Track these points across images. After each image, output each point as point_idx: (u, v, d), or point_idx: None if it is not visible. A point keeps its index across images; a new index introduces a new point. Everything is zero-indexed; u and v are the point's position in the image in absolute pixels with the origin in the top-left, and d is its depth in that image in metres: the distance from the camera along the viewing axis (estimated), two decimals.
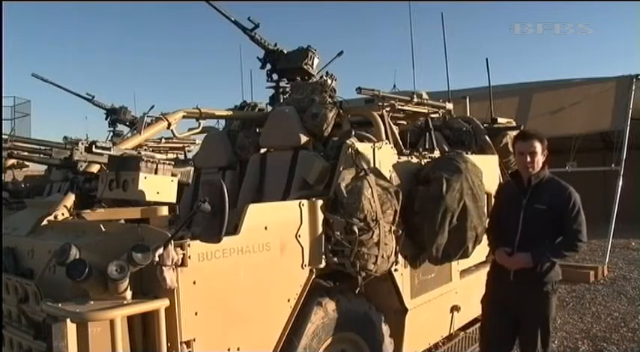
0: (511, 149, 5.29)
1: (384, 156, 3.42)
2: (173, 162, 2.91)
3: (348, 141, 3.21)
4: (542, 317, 3.07)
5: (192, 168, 4.06)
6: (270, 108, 4.31)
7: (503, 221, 3.27)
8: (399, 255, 3.24)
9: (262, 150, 3.76)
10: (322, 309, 2.93)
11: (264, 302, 2.66)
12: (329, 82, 3.87)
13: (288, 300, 2.77)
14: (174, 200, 2.83)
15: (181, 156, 6.29)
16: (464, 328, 4.37)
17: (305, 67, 4.22)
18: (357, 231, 2.88)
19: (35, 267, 2.50)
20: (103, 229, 2.46)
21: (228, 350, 2.48)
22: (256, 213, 2.63)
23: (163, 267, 2.14)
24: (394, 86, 7.76)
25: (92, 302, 2.11)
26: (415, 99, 4.06)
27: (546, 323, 3.08)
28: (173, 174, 2.83)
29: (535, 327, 3.08)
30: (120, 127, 6.83)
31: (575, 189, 3.05)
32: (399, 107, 3.94)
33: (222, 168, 3.89)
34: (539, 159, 3.10)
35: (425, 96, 4.33)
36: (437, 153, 4.07)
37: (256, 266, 2.59)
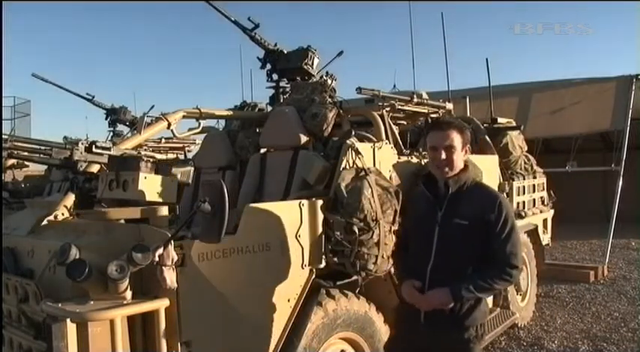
0: (511, 149, 5.29)
1: (384, 156, 3.42)
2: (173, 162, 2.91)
3: (348, 141, 3.20)
4: None
5: (192, 168, 4.06)
6: (270, 108, 4.31)
7: (413, 241, 2.50)
8: None
9: (262, 150, 3.75)
10: (322, 309, 2.93)
11: (264, 302, 2.66)
12: (329, 82, 3.87)
13: (288, 300, 2.77)
14: (174, 200, 2.83)
15: (181, 156, 6.30)
16: None
17: (305, 67, 4.22)
18: (357, 231, 2.88)
19: (35, 267, 2.50)
20: (103, 229, 2.46)
21: (228, 350, 2.49)
22: (256, 213, 2.63)
23: (163, 267, 2.14)
24: (394, 86, 7.77)
25: (92, 302, 2.11)
26: (415, 99, 4.06)
27: None
28: (173, 174, 2.84)
29: None
30: (120, 127, 6.83)
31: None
32: (399, 107, 3.94)
33: (222, 168, 3.88)
34: (459, 156, 2.30)
35: (425, 96, 4.33)
36: None
37: (256, 266, 2.59)
